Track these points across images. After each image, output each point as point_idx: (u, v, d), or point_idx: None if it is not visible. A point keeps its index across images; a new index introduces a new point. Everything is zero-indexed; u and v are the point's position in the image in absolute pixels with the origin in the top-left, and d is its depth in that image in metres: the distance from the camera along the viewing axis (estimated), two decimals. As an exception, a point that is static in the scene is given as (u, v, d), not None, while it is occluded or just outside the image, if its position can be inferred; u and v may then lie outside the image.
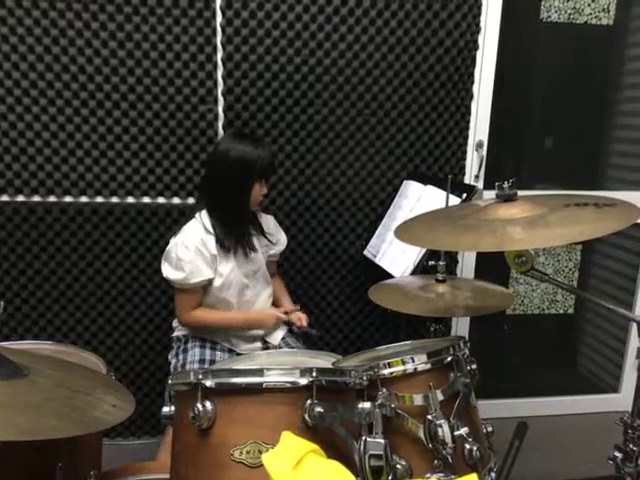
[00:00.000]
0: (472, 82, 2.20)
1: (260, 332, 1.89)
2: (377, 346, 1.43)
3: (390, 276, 1.90)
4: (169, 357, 1.87)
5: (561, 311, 2.76)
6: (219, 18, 1.99)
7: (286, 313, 1.91)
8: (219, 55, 2.01)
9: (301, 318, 1.92)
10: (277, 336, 1.93)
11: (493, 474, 1.14)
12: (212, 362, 1.74)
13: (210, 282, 1.77)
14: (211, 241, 1.75)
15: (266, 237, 1.91)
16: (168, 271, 1.74)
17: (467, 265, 2.39)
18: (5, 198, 2.03)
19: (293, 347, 1.90)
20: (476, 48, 2.17)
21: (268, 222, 1.96)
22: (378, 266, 2.03)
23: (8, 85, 1.94)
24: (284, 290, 2.08)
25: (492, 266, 2.30)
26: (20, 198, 2.04)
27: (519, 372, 2.74)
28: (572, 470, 2.14)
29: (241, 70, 2.03)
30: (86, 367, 1.25)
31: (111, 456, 1.53)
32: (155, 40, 1.96)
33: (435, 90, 2.16)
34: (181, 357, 1.80)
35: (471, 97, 2.21)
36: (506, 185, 1.16)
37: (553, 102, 2.56)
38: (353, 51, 2.08)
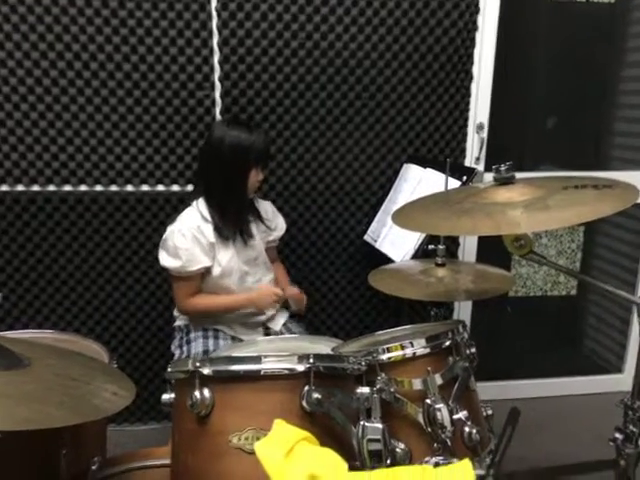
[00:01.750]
0: (472, 63, 2.17)
1: (262, 318, 1.90)
2: (378, 330, 1.43)
3: (391, 261, 1.89)
4: (172, 348, 1.87)
5: (564, 292, 2.75)
6: (214, 2, 1.96)
7: (284, 291, 1.89)
8: (215, 40, 1.99)
9: (301, 299, 1.90)
10: (278, 322, 1.93)
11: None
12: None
13: (208, 270, 1.77)
14: (208, 229, 1.74)
15: (264, 223, 1.90)
16: (165, 259, 1.74)
17: (469, 247, 2.38)
18: (4, 188, 2.03)
19: (294, 333, 1.90)
20: (475, 29, 2.13)
21: (266, 208, 1.95)
22: (378, 251, 2.02)
23: (4, 74, 1.93)
24: (285, 275, 2.08)
25: (494, 248, 2.28)
26: (19, 187, 2.04)
27: (522, 354, 2.74)
28: (575, 451, 2.15)
29: (237, 55, 2.01)
30: (87, 355, 1.26)
31: (118, 441, 1.56)
32: (150, 25, 1.94)
33: (434, 72, 2.13)
34: (185, 349, 1.80)
35: (471, 78, 2.18)
36: (503, 168, 1.15)
37: (555, 82, 2.53)
38: (350, 33, 2.05)
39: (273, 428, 0.72)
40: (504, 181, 1.15)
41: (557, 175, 1.34)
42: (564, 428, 2.34)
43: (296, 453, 0.64)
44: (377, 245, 2.06)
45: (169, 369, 1.08)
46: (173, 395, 1.09)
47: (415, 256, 1.81)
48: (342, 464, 0.64)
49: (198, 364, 0.98)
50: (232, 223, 1.77)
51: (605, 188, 1.06)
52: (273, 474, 0.62)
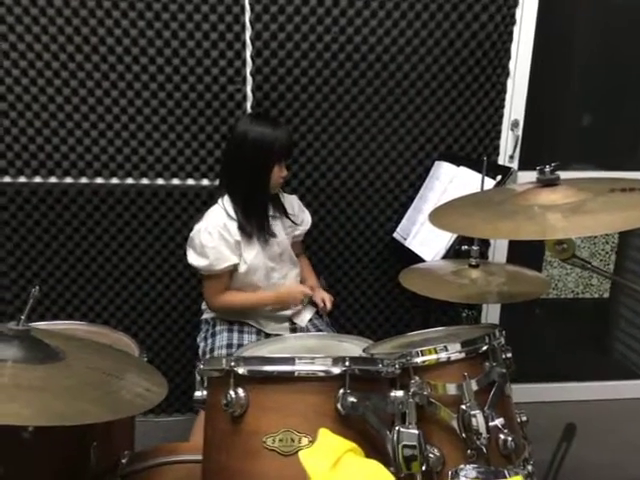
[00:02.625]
0: (508, 58, 2.11)
1: (287, 313, 1.89)
2: (406, 330, 1.40)
3: (420, 259, 1.86)
4: (198, 340, 1.88)
5: (596, 295, 2.68)
6: (247, -5, 1.95)
7: (312, 289, 1.91)
8: (247, 34, 1.98)
9: (325, 299, 1.91)
10: (304, 317, 1.93)
11: (530, 466, 1.12)
12: (240, 346, 1.72)
13: (235, 267, 1.76)
14: (234, 226, 1.74)
15: (290, 218, 1.89)
16: (193, 258, 1.74)
17: (499, 247, 2.34)
18: (53, 180, 2.06)
19: (320, 329, 1.89)
20: (513, 22, 2.08)
21: (292, 203, 1.94)
22: (408, 249, 1.99)
23: (55, 67, 1.94)
24: (310, 269, 2.07)
25: (525, 248, 2.24)
26: (53, 180, 2.06)
27: (552, 356, 2.69)
28: (605, 456, 2.10)
29: (270, 49, 1.99)
30: (119, 349, 1.27)
31: (143, 433, 1.56)
32: (183, 19, 1.93)
33: (470, 67, 2.08)
34: (209, 341, 1.81)
35: (507, 74, 2.13)
36: (548, 169, 1.11)
37: (593, 77, 2.45)
38: (384, 28, 2.01)
39: (318, 438, 0.70)
40: (548, 182, 1.11)
41: (602, 176, 1.29)
42: (593, 433, 2.29)
43: (343, 464, 0.62)
44: (406, 243, 2.03)
45: (202, 366, 1.07)
46: (205, 392, 1.08)
47: (446, 256, 1.78)
48: (390, 477, 0.62)
49: (233, 363, 0.97)
50: (255, 220, 1.76)
51: (656, 192, 1.01)
52: (319, 485, 0.60)
